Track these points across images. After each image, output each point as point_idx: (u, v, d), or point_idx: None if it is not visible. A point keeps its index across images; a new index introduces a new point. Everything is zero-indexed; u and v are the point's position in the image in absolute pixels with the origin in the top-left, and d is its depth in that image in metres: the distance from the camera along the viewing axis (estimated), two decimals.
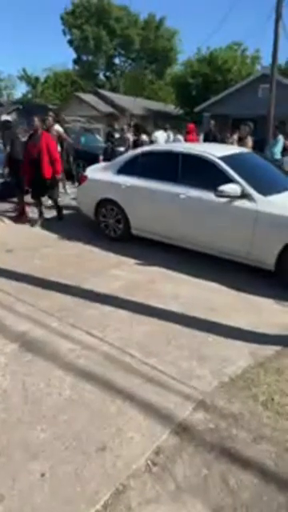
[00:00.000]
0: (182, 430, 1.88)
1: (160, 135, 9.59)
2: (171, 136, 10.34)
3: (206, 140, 10.05)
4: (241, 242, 4.21)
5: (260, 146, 14.71)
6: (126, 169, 5.33)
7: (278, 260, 3.93)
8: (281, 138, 8.04)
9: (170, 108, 30.34)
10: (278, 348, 2.72)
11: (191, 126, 9.62)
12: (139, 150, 5.60)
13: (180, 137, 9.93)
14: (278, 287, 3.86)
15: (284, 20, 14.22)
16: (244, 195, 4.16)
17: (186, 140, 9.16)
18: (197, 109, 22.91)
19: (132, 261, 4.61)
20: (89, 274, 4.06)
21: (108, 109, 28.33)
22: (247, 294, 3.78)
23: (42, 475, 1.67)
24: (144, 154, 5.35)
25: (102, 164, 5.98)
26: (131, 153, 5.61)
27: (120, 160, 5.56)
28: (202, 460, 1.72)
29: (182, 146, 5.01)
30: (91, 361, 2.43)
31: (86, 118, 19.85)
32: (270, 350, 2.68)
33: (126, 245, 5.10)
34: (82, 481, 1.63)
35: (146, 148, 5.67)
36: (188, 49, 76.35)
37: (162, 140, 9.48)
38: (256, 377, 2.30)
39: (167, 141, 9.89)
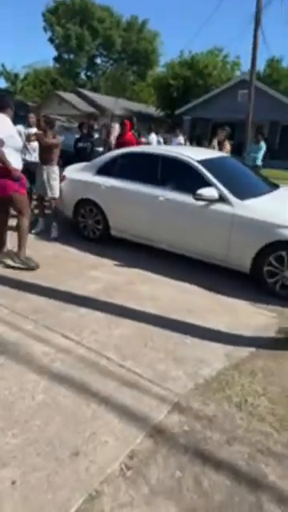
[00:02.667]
0: (157, 432, 1.88)
1: (154, 138, 9.60)
2: (161, 139, 10.28)
3: (165, 143, 10.02)
4: (218, 245, 4.27)
5: (238, 150, 14.98)
6: (106, 169, 5.31)
7: (253, 263, 4.01)
8: (263, 144, 8.18)
9: (151, 110, 30.50)
10: (252, 349, 2.77)
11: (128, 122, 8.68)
12: (119, 151, 5.59)
13: (181, 138, 9.78)
14: (253, 290, 3.93)
15: (263, 27, 14.55)
16: (221, 199, 4.23)
17: (121, 138, 7.46)
18: (177, 111, 23.14)
19: (111, 262, 4.59)
20: (66, 275, 4.01)
21: (89, 108, 28.15)
22: (224, 296, 3.83)
23: (13, 483, 1.63)
24: (124, 155, 5.34)
25: (82, 164, 5.93)
26: (111, 153, 5.59)
27: (100, 160, 5.53)
28: (176, 462, 1.72)
29: (162, 148, 5.03)
30: (66, 364, 2.40)
31: (67, 117, 19.67)
32: (244, 351, 2.73)
33: (105, 246, 5.08)
34: (54, 487, 1.61)
35: (126, 149, 5.67)
36: (170, 51, 76.96)
37: (155, 143, 9.48)
38: (230, 378, 2.33)
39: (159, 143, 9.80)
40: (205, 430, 1.90)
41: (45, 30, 38.34)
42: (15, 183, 3.98)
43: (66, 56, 38.98)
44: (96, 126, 7.70)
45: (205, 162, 4.58)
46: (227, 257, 4.23)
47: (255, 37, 13.89)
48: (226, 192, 4.23)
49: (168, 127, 19.05)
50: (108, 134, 7.09)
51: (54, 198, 5.53)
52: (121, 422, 1.93)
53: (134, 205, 4.90)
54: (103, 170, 5.34)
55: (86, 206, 5.38)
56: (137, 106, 31.56)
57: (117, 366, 2.41)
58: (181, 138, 9.43)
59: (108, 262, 4.59)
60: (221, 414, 2.02)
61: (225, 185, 4.32)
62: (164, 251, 4.67)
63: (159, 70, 36.43)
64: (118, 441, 1.82)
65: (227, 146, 6.53)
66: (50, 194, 5.47)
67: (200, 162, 4.55)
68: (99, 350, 2.58)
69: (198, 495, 1.58)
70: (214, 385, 2.26)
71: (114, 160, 5.33)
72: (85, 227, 5.47)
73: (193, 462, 1.73)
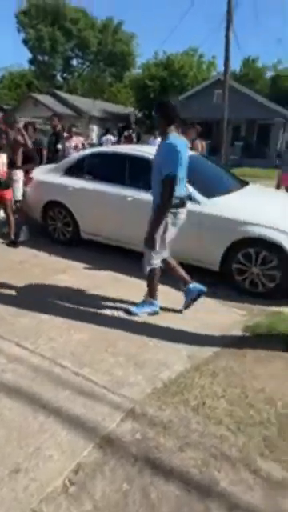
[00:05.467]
0: (107, 443, 1.78)
1: (110, 139, 9.54)
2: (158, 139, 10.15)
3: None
4: (187, 244, 4.21)
5: (215, 150, 15.05)
6: (74, 170, 5.19)
7: (223, 261, 3.98)
8: None
9: (130, 111, 30.46)
10: (216, 349, 2.71)
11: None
12: (87, 151, 5.49)
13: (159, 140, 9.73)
14: (223, 288, 3.89)
15: (235, 28, 14.71)
16: (189, 198, 4.17)
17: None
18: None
19: (81, 265, 4.48)
20: (30, 280, 3.87)
21: (65, 110, 27.89)
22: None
23: None
24: (92, 156, 5.25)
25: (49, 165, 5.80)
26: (78, 154, 5.48)
27: (67, 161, 5.41)
28: (124, 474, 1.63)
29: (129, 147, 4.96)
30: (17, 375, 2.27)
31: (43, 120, 19.41)
32: (208, 351, 2.66)
33: (75, 249, 4.96)
34: None
35: (93, 149, 5.57)
36: (146, 52, 77.21)
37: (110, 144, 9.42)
38: (190, 381, 2.25)
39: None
40: (158, 437, 1.81)
41: (18, 31, 37.87)
42: None
43: (40, 58, 38.54)
44: (74, 129, 7.47)
45: None
46: (197, 255, 4.18)
47: (227, 36, 14.00)
48: (193, 190, 4.18)
49: (147, 128, 19.05)
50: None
51: (16, 201, 5.38)
52: (69, 433, 1.82)
53: (103, 206, 4.80)
54: (71, 171, 5.22)
55: (55, 209, 5.25)
56: (115, 108, 31.48)
57: (72, 374, 2.30)
58: (159, 140, 9.36)
59: (78, 265, 4.47)
60: (176, 419, 1.94)
61: (192, 183, 4.27)
62: (137, 252, 4.58)
63: (136, 71, 36.46)
64: (63, 454, 1.71)
65: (198, 144, 6.48)
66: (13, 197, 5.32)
67: None
68: (54, 358, 2.46)
69: (144, 508, 1.49)
70: (173, 388, 2.18)
71: (82, 160, 5.22)
72: (54, 230, 5.33)
73: (142, 472, 1.64)
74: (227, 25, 14.03)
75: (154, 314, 3.27)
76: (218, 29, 36.00)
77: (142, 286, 3.95)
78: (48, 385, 2.17)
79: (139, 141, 7.95)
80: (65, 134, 6.88)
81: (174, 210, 3.08)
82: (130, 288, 3.85)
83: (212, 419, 1.94)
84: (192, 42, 62.67)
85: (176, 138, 3.01)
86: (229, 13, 13.94)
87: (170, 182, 2.90)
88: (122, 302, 3.51)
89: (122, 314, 3.23)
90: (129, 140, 8.55)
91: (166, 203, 2.98)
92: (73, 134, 7.18)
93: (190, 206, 4.16)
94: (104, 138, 9.68)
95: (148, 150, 4.80)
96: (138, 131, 7.43)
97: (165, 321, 3.15)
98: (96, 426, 1.87)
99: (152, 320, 3.15)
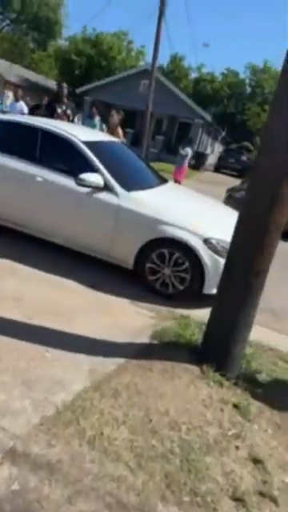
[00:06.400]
0: None
1: (22, 106, 8.57)
2: (25, 109, 9.06)
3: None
4: (100, 238, 3.89)
5: (137, 140, 14.91)
6: None
7: (137, 259, 3.75)
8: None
9: (51, 83, 28.46)
10: (121, 361, 2.44)
11: None
12: None
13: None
14: (135, 286, 3.68)
15: (167, 23, 14.61)
16: (106, 188, 3.83)
17: None
18: (79, 90, 22.03)
19: None
20: None
21: None
22: (104, 293, 3.49)
23: None
24: (2, 124, 4.51)
25: None
26: None
27: None
28: None
29: (45, 121, 4.37)
30: None
31: None
32: (112, 364, 2.38)
33: None
34: None
35: (3, 116, 4.81)
36: (75, 27, 73.24)
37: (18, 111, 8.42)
38: (89, 404, 1.94)
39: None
40: (42, 486, 1.47)
41: None
42: None
43: None
44: None
45: (91, 144, 4.11)
46: (109, 251, 3.88)
47: (159, 25, 13.81)
48: (112, 180, 3.85)
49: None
50: None
51: None
52: None
53: (7, 183, 4.16)
54: None
55: None
56: (34, 76, 29.08)
57: None
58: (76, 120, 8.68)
59: None
60: (67, 458, 1.61)
61: (111, 172, 3.92)
62: (45, 240, 4.08)
63: (62, 42, 34.18)
64: None
65: (119, 131, 6.13)
66: None
67: (86, 143, 4.06)
68: None
69: None
70: (67, 415, 1.84)
71: None
72: None
73: None
74: (159, 15, 13.83)
75: None
76: (150, 17, 35.72)
77: (42, 278, 3.52)
78: None
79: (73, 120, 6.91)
80: None
81: None
82: (30, 281, 3.38)
83: (110, 455, 1.67)
84: (122, 25, 61.45)
85: None
86: (161, 4, 13.75)
87: None
88: (18, 298, 3.02)
89: (16, 316, 2.76)
90: (64, 119, 7.24)
91: None
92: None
93: (106, 196, 3.85)
94: (17, 104, 8.57)
95: (66, 128, 4.28)
96: (72, 107, 6.43)
97: (67, 324, 2.77)
98: None
99: (53, 323, 2.74)
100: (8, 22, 36.37)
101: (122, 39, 28.38)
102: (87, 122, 7.54)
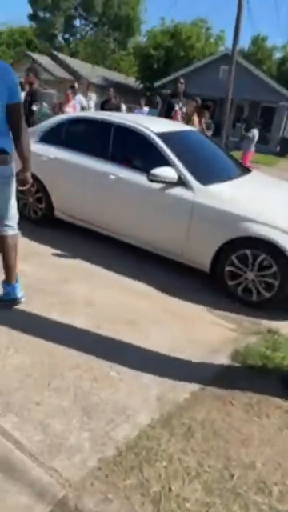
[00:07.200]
0: None
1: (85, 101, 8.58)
2: (85, 103, 9.04)
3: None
4: (174, 238, 3.55)
5: (216, 129, 14.18)
6: (51, 137, 4.40)
7: (214, 261, 3.33)
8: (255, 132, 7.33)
9: (131, 81, 28.88)
10: (195, 387, 2.07)
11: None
12: (68, 115, 4.67)
13: (146, 110, 8.69)
14: (213, 292, 3.27)
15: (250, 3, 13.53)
16: (181, 182, 3.47)
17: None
18: (157, 84, 21.85)
19: (49, 251, 3.77)
20: None
21: (63, 74, 26.28)
22: (179, 299, 3.16)
23: None
24: (72, 121, 4.46)
25: None
26: (57, 118, 4.66)
27: (44, 125, 4.59)
28: None
29: (116, 115, 4.17)
30: None
31: (39, 83, 18.09)
32: (184, 391, 2.02)
33: (48, 230, 4.23)
34: None
35: (76, 114, 4.75)
36: (153, 21, 73.23)
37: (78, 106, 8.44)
38: (155, 445, 1.62)
39: None
40: None
41: None
42: None
43: (41, 14, 35.95)
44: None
45: (164, 136, 3.78)
46: (184, 252, 3.52)
47: (239, 6, 12.82)
48: (186, 174, 3.48)
49: (146, 101, 17.91)
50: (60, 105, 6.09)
51: None
52: None
53: (81, 182, 4.06)
54: (47, 138, 4.43)
55: None
56: (115, 76, 29.83)
57: None
58: (146, 110, 8.43)
59: (45, 251, 3.76)
60: None
61: (186, 165, 3.55)
62: (119, 241, 3.90)
63: (141, 39, 34.38)
64: None
65: (195, 119, 5.66)
66: None
67: (159, 134, 3.74)
68: None
69: None
70: (129, 459, 1.54)
71: (61, 126, 4.42)
72: (25, 206, 4.57)
73: None
74: None
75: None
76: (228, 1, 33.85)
77: (115, 282, 3.31)
78: None
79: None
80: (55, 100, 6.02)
81: None
82: (101, 285, 3.19)
83: None
84: (201, 12, 59.56)
85: None
86: None
87: None
88: (89, 304, 2.84)
89: (85, 324, 2.56)
90: (178, 116, 6.33)
91: None
92: (77, 92, 6.16)
93: (180, 192, 3.48)
94: (76, 97, 8.44)
95: (137, 121, 4.02)
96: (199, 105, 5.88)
97: (139, 335, 2.49)
98: None
99: (123, 334, 2.48)
100: (91, 26, 37.82)
101: (200, 27, 27.39)
102: (152, 112, 7.28)
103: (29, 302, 2.70)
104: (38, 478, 1.43)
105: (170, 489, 1.43)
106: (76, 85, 8.72)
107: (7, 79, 2.23)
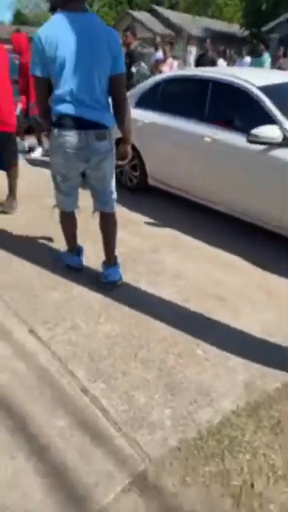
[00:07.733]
0: None
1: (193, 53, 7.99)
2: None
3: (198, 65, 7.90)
4: (274, 206, 3.19)
5: None
6: (145, 101, 4.29)
7: None
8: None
9: (235, 28, 26.26)
10: None
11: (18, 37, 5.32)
12: (161, 76, 4.45)
13: (248, 60, 7.89)
14: None
15: None
16: (286, 143, 3.05)
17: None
18: (265, 28, 19.47)
19: (142, 219, 3.78)
20: (81, 237, 2.90)
21: (164, 30, 25.22)
22: (272, 273, 2.89)
23: None
24: (167, 81, 4.24)
25: None
26: (152, 80, 4.47)
27: (139, 89, 4.48)
28: None
29: (212, 70, 3.79)
30: (15, 379, 1.79)
31: (139, 41, 17.75)
32: (276, 380, 1.85)
33: (142, 198, 4.22)
34: None
35: (171, 72, 4.48)
36: None
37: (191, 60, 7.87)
38: (239, 435, 1.52)
39: None
40: None
41: None
42: None
43: None
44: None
45: (269, 89, 3.32)
46: (282, 221, 3.16)
47: None
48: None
49: (250, 49, 16.23)
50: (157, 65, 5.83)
51: None
52: (43, 502, 1.29)
53: (175, 146, 3.90)
54: (142, 102, 4.32)
55: None
56: (218, 25, 27.45)
57: (78, 392, 1.73)
58: (247, 61, 7.57)
59: (139, 219, 3.78)
60: (203, 510, 1.27)
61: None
62: (210, 209, 3.71)
63: None
64: None
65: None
66: None
67: (262, 88, 3.32)
68: (66, 360, 1.91)
69: None
70: (210, 445, 1.48)
71: (156, 87, 4.25)
72: (122, 173, 4.63)
73: None
74: None
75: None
76: None
77: (207, 253, 3.16)
78: (43, 405, 1.65)
79: None
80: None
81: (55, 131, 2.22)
82: (191, 255, 3.09)
83: None
84: None
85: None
86: None
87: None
88: (179, 276, 2.78)
89: (174, 297, 2.52)
90: None
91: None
92: (168, 56, 5.95)
93: (285, 154, 3.07)
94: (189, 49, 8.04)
95: (237, 74, 3.61)
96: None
97: (228, 313, 2.36)
98: (84, 497, 1.30)
99: (211, 310, 2.38)
100: None
101: None
102: (254, 61, 6.46)
103: (123, 271, 2.72)
104: (121, 447, 1.49)
105: (252, 485, 1.34)
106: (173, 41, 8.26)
107: (114, 48, 2.08)
